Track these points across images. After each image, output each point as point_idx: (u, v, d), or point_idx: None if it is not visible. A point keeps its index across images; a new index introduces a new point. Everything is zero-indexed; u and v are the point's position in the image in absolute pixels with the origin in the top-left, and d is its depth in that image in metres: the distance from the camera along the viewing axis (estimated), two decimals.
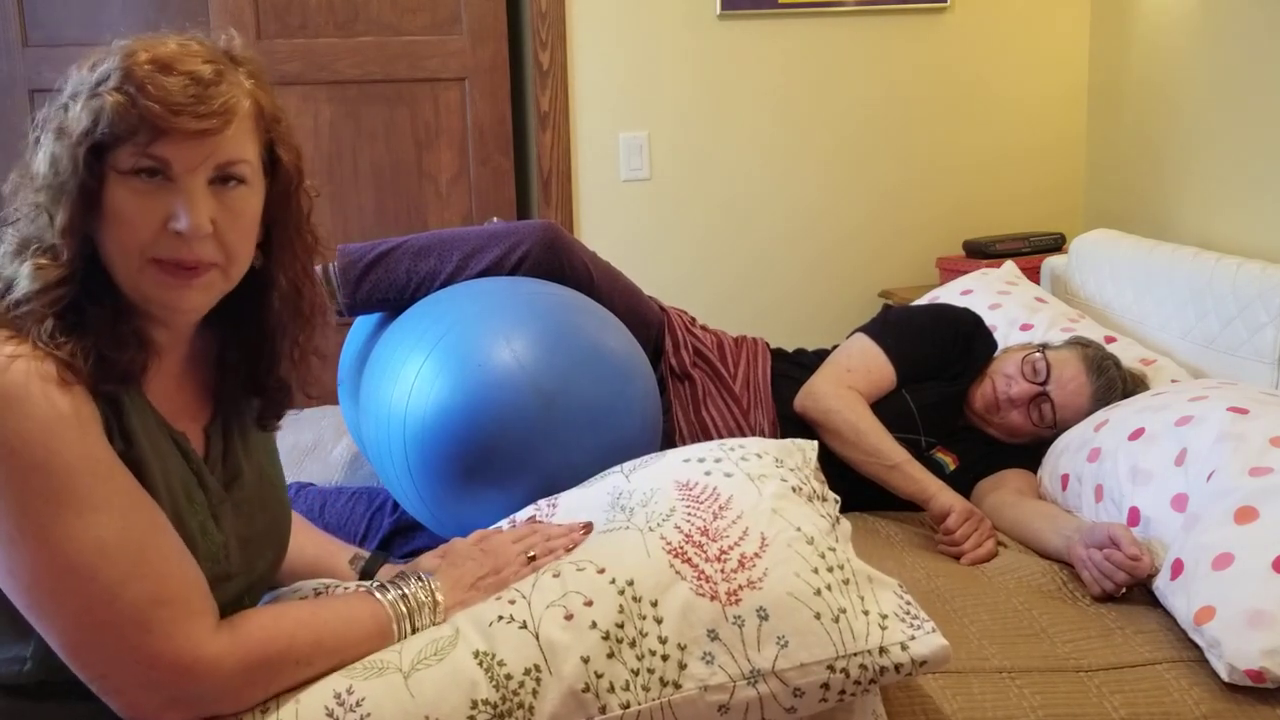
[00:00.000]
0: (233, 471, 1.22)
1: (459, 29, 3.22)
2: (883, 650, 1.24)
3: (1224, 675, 1.44)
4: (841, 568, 1.29)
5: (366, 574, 1.41)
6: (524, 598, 1.23)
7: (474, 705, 1.15)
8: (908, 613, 1.29)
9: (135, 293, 1.09)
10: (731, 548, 1.27)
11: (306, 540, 1.44)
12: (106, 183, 1.06)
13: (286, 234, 1.19)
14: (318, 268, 1.94)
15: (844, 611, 1.25)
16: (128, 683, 1.05)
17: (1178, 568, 1.59)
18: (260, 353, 1.22)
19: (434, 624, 1.22)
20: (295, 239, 1.20)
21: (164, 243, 1.07)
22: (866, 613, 1.26)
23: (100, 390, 1.06)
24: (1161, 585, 1.62)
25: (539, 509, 1.45)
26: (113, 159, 1.05)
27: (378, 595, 1.21)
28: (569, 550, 1.31)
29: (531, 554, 1.30)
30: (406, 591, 1.22)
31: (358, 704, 1.13)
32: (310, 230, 1.22)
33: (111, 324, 1.07)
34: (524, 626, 1.20)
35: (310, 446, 2.44)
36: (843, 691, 1.24)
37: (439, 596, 1.23)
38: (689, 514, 1.30)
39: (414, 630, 1.21)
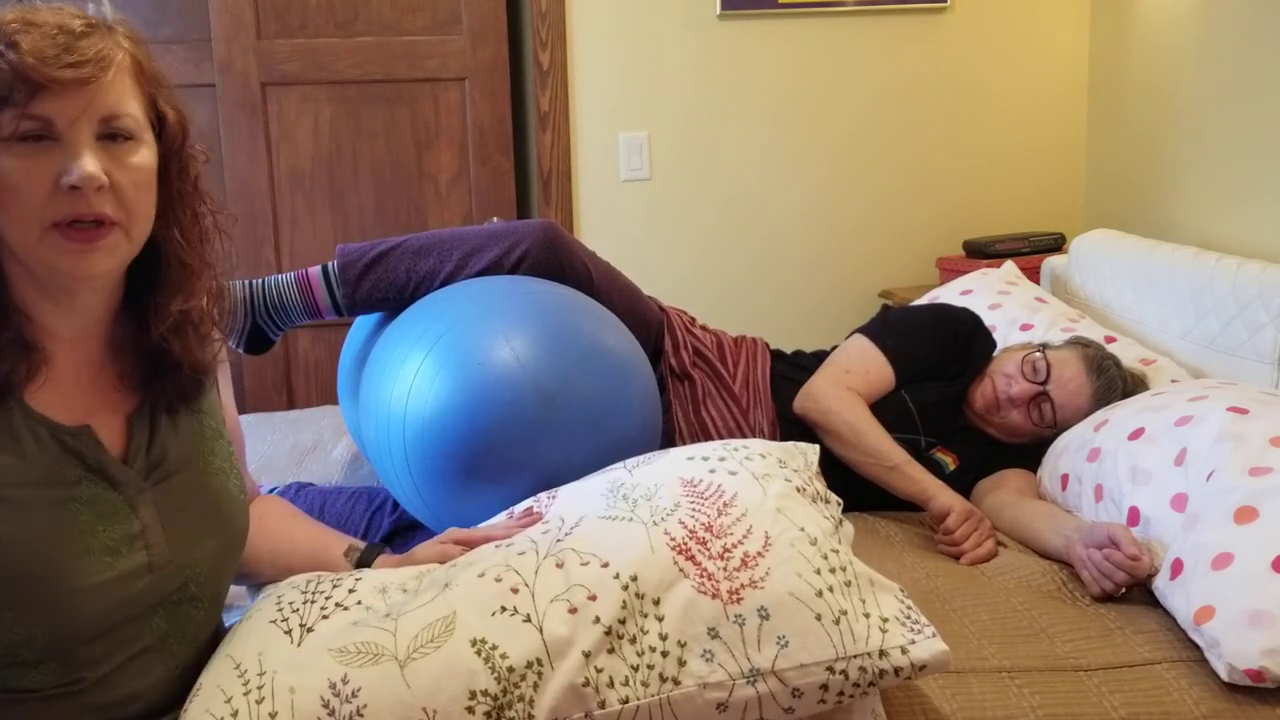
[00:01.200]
0: (156, 459, 1.17)
1: (459, 29, 3.22)
2: (883, 653, 1.24)
3: (1223, 675, 1.44)
4: (844, 569, 1.29)
5: (362, 564, 1.40)
6: (528, 587, 1.23)
7: (472, 696, 1.14)
8: (908, 617, 1.29)
9: (38, 265, 1.07)
10: (735, 545, 1.27)
11: (299, 533, 1.43)
12: None
13: (172, 197, 1.16)
14: (317, 268, 1.99)
15: (845, 613, 1.25)
16: None
17: (1177, 567, 1.59)
18: (150, 328, 1.18)
19: None
20: (181, 202, 1.17)
21: (59, 203, 1.04)
22: (867, 615, 1.26)
23: None
24: (1161, 585, 1.62)
25: (538, 501, 1.45)
26: None
27: None
28: None
29: None
30: None
31: (354, 694, 1.13)
32: (200, 195, 1.19)
33: None
34: (528, 620, 1.20)
35: (310, 446, 2.44)
36: (841, 693, 1.24)
37: None
38: (693, 509, 1.31)
39: None
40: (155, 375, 1.19)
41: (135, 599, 1.13)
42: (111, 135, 1.08)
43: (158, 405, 1.19)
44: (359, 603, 1.25)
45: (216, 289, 1.24)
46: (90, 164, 1.04)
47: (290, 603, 1.25)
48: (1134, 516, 1.77)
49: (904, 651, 1.25)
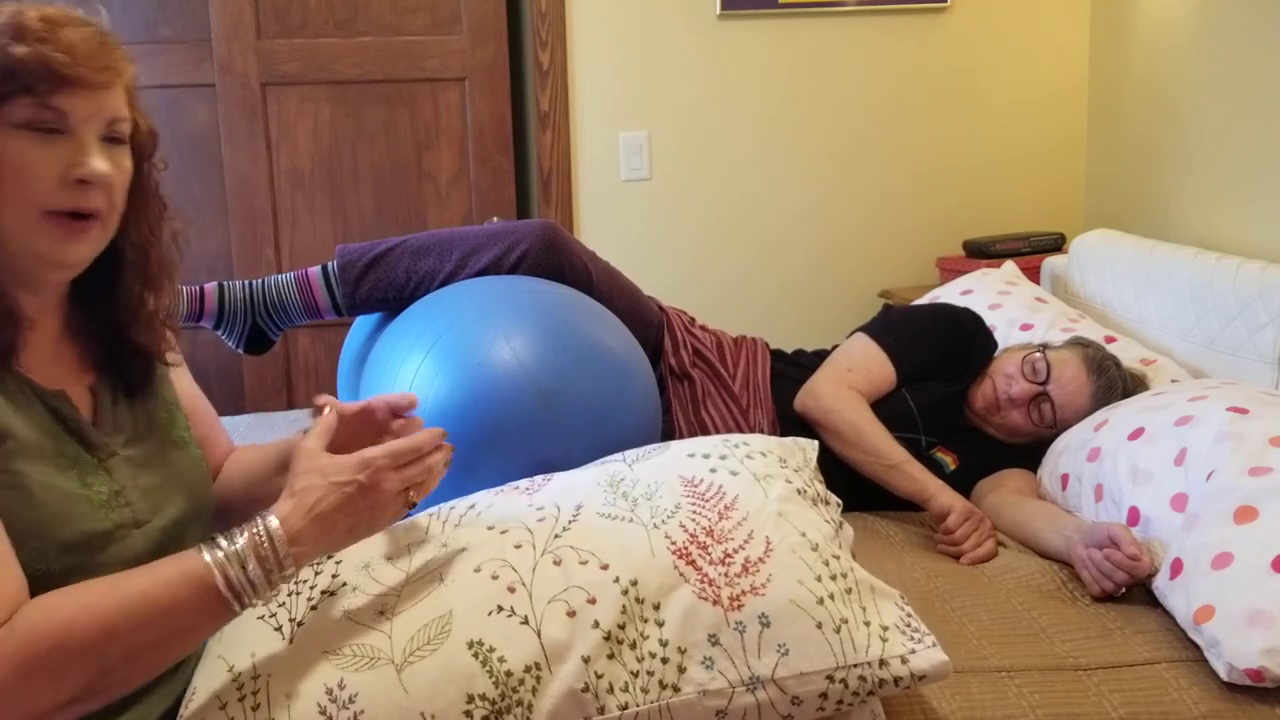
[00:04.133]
0: (122, 425, 1.23)
1: (459, 29, 3.22)
2: (883, 663, 1.24)
3: (1223, 675, 1.44)
4: (845, 576, 1.28)
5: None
6: (524, 586, 1.22)
7: (470, 700, 1.14)
8: (908, 625, 1.29)
9: (24, 250, 1.11)
10: (736, 551, 1.27)
11: (262, 450, 1.44)
12: None
13: (137, 199, 1.22)
14: (316, 268, 1.99)
15: (845, 622, 1.24)
16: None
17: (1177, 567, 1.59)
18: (113, 323, 1.24)
19: (284, 578, 1.10)
20: (144, 204, 1.23)
21: (64, 193, 1.10)
22: (868, 624, 1.26)
23: None
24: (1161, 585, 1.62)
25: (533, 482, 1.43)
26: (4, 113, 1.08)
27: (204, 553, 1.08)
28: (446, 467, 1.23)
29: (411, 492, 1.20)
30: (239, 545, 1.08)
31: (350, 700, 1.13)
32: (158, 197, 1.26)
33: None
34: (525, 622, 1.19)
35: None
36: (840, 701, 1.24)
37: (280, 536, 1.09)
38: (694, 512, 1.30)
39: (255, 593, 1.08)
40: (110, 359, 1.25)
41: (131, 560, 1.14)
42: (110, 137, 1.14)
43: (115, 380, 1.25)
44: (344, 584, 1.24)
45: (177, 291, 1.32)
46: (103, 163, 1.11)
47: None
48: (1134, 516, 1.77)
49: (904, 661, 1.25)
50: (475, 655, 1.16)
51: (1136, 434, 1.85)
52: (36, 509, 1.09)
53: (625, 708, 1.18)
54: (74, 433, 1.16)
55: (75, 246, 1.13)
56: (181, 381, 1.38)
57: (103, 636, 1.03)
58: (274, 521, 1.10)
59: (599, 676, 1.18)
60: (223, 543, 1.09)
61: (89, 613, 1.04)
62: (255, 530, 1.09)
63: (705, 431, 2.10)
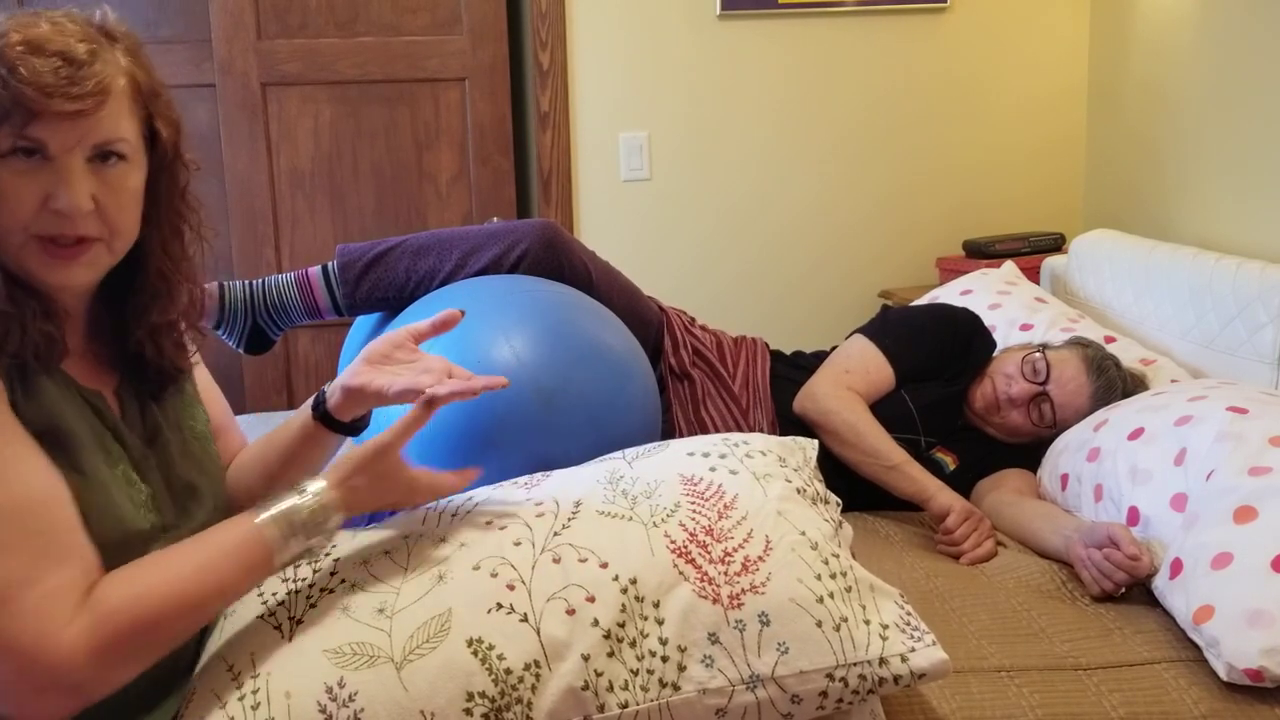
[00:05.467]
0: (152, 428, 1.22)
1: (459, 29, 3.22)
2: (883, 661, 1.24)
3: (1223, 674, 1.45)
4: (844, 574, 1.28)
5: (318, 405, 1.36)
6: (524, 584, 1.22)
7: (470, 698, 1.14)
8: (908, 624, 1.29)
9: (19, 269, 1.10)
10: (735, 549, 1.27)
11: (270, 438, 1.43)
12: None
13: (159, 207, 1.20)
14: (317, 268, 1.99)
15: (845, 620, 1.24)
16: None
17: (1177, 567, 1.59)
18: (127, 329, 1.23)
19: (326, 536, 1.19)
20: (167, 215, 1.21)
21: (44, 220, 1.08)
22: (868, 622, 1.26)
23: (26, 360, 1.08)
24: (1160, 585, 1.62)
25: (532, 479, 1.43)
26: None
27: (257, 518, 1.15)
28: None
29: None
30: (286, 507, 1.16)
31: (350, 698, 1.13)
32: (186, 204, 1.23)
33: (20, 301, 1.09)
34: (524, 619, 1.19)
35: None
36: (840, 699, 1.24)
37: (325, 500, 1.18)
38: (694, 511, 1.30)
39: (307, 547, 1.17)
40: (131, 361, 1.24)
41: None
42: (104, 156, 1.11)
43: (139, 382, 1.24)
44: (343, 581, 1.24)
45: (195, 300, 1.27)
46: (78, 193, 1.08)
47: (274, 593, 1.25)
48: (1133, 516, 1.77)
49: (904, 660, 1.25)
50: (475, 653, 1.16)
51: (1136, 434, 1.85)
52: (90, 503, 1.10)
53: (625, 706, 1.18)
54: (112, 431, 1.17)
55: (68, 270, 1.11)
56: (199, 373, 1.38)
57: (182, 611, 1.09)
58: (330, 497, 1.18)
59: (599, 674, 1.18)
60: (275, 508, 1.16)
61: (172, 591, 1.08)
62: (311, 506, 1.17)
63: (705, 431, 2.10)
